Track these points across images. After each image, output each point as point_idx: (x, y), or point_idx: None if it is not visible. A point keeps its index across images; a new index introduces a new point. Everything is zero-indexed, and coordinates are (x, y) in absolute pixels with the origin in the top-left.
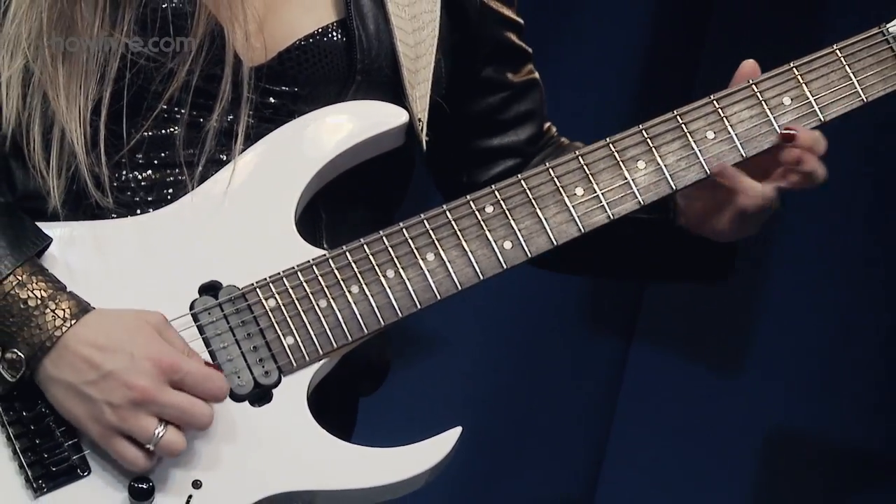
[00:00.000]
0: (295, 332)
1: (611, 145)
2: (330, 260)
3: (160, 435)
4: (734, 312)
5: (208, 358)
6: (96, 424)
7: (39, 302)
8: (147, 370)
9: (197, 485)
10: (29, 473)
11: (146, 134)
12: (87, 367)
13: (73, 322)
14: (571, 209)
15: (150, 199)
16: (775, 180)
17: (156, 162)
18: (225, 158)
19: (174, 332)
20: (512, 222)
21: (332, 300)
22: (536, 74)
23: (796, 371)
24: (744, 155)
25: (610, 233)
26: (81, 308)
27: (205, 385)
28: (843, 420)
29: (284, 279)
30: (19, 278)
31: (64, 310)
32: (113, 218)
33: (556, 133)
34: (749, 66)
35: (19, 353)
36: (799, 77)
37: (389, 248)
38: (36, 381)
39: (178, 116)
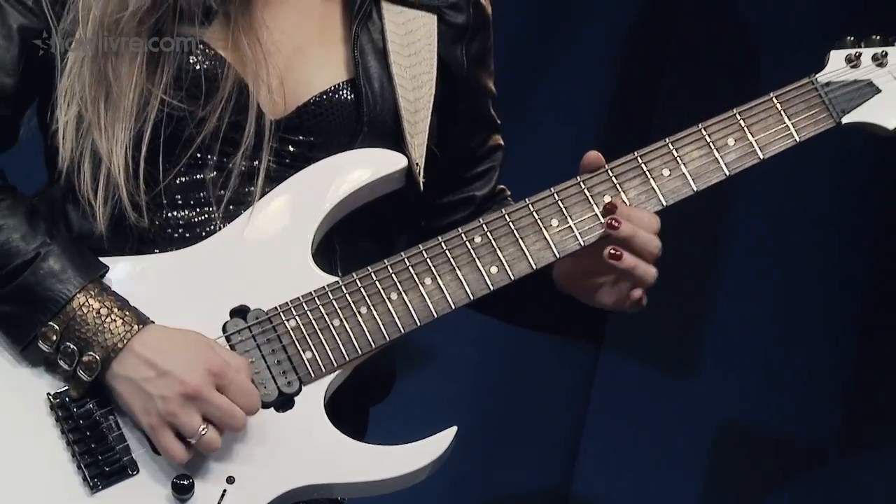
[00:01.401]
0: (313, 347)
1: (581, 183)
2: (342, 286)
3: (203, 432)
4: (690, 324)
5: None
6: (148, 416)
7: (109, 311)
8: (200, 372)
9: (231, 480)
10: (86, 473)
11: (182, 179)
12: (148, 366)
13: (139, 327)
14: (548, 238)
15: (187, 235)
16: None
17: (191, 202)
18: (250, 199)
19: (224, 351)
20: (497, 250)
21: (344, 320)
22: (501, 141)
23: (747, 373)
24: (695, 189)
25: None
26: (143, 318)
27: (243, 397)
28: (788, 414)
29: (303, 303)
30: (91, 293)
31: (131, 318)
32: (156, 252)
33: (509, 195)
34: (592, 157)
35: (95, 356)
36: (741, 121)
37: (393, 275)
38: (104, 380)
39: (209, 161)
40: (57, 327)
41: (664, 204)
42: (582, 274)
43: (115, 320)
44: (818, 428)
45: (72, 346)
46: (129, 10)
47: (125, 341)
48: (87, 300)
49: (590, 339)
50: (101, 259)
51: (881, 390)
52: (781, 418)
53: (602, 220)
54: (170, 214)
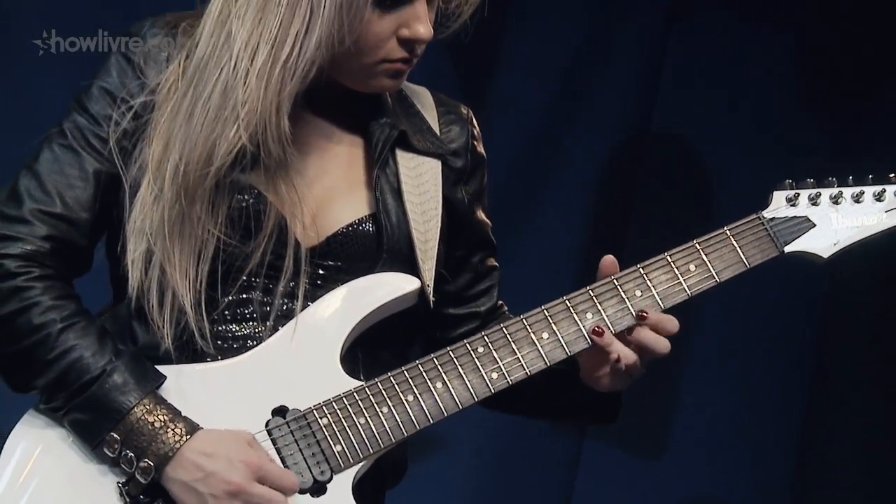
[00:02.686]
0: (342, 441)
1: (566, 301)
2: (366, 388)
3: None
4: (663, 415)
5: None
6: None
7: (162, 423)
8: (240, 469)
9: None
10: None
11: (233, 298)
12: (196, 469)
13: (187, 437)
14: (540, 348)
15: (236, 346)
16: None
17: (240, 319)
18: (290, 315)
19: (259, 446)
20: (497, 358)
21: (368, 418)
22: (496, 263)
23: (711, 457)
24: (662, 307)
25: (530, 381)
26: (192, 427)
27: (281, 481)
28: (746, 487)
29: (333, 403)
30: (147, 406)
31: (181, 429)
32: (209, 361)
33: (506, 309)
34: (608, 261)
35: (150, 462)
36: (700, 251)
37: (409, 379)
38: (160, 481)
39: (255, 284)
40: (118, 437)
41: (636, 320)
42: (589, 368)
43: (167, 431)
44: (770, 497)
45: (130, 453)
46: (214, 166)
47: (175, 450)
48: (143, 415)
49: (604, 421)
50: (162, 367)
51: (825, 473)
52: (741, 492)
53: (585, 333)
54: (221, 328)
